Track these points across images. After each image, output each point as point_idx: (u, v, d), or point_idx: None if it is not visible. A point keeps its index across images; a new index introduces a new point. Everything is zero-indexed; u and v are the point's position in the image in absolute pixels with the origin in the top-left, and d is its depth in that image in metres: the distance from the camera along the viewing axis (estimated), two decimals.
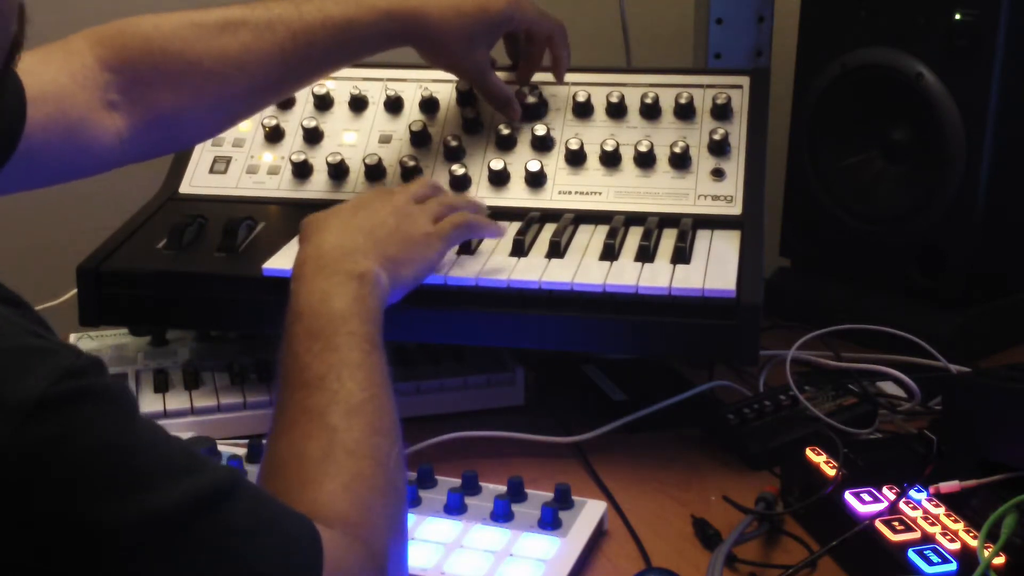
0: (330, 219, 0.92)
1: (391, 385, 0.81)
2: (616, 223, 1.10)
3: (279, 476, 0.73)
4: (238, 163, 1.23)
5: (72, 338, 1.22)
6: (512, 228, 1.10)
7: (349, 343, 0.80)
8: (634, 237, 1.08)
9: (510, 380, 1.15)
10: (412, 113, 1.24)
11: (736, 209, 1.12)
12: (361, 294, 0.84)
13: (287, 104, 1.26)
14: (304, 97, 1.26)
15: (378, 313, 0.86)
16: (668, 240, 1.07)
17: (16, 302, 0.62)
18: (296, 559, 0.64)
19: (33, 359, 0.55)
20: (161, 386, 1.10)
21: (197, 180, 1.23)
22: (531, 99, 1.21)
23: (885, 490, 0.88)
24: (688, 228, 1.09)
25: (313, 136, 1.23)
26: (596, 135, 1.19)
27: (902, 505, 0.86)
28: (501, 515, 0.89)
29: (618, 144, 1.17)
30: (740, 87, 1.21)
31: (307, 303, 0.83)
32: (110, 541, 0.55)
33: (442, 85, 1.25)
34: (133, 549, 0.56)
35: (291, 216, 1.16)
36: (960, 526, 0.83)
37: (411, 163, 1.18)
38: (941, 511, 0.86)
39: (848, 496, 0.87)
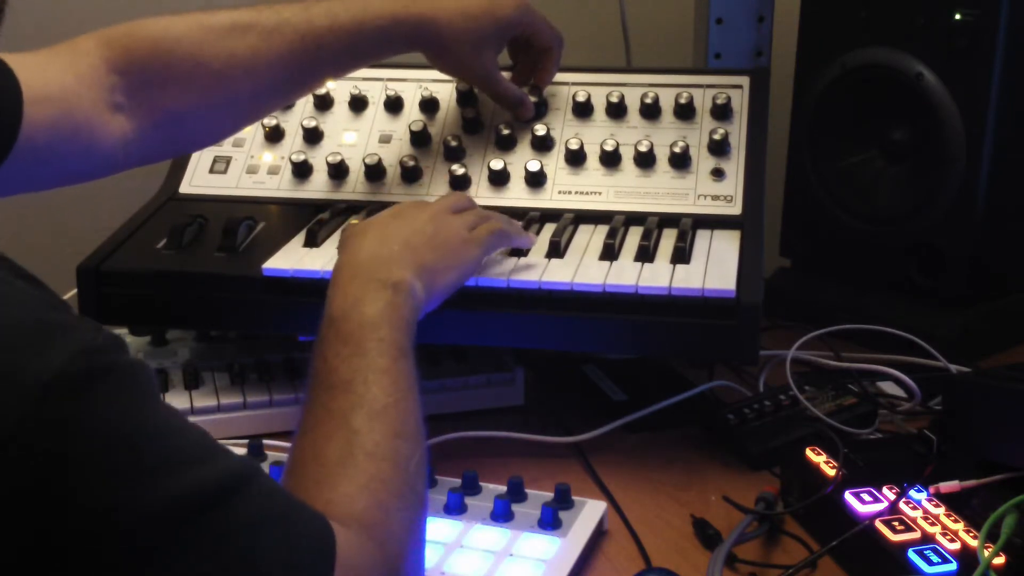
0: (368, 228, 0.92)
1: (418, 392, 0.81)
2: (616, 223, 1.10)
3: (298, 475, 0.73)
4: (238, 163, 1.23)
5: None
6: None
7: (378, 349, 0.80)
8: (634, 237, 1.08)
9: (510, 380, 1.15)
10: (412, 113, 1.24)
11: (736, 209, 1.12)
12: (394, 302, 0.84)
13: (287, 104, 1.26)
14: (304, 97, 1.26)
15: (410, 322, 0.85)
16: (668, 240, 1.07)
17: (36, 281, 0.62)
18: (306, 554, 0.63)
19: (52, 335, 0.55)
20: (161, 386, 1.10)
21: (197, 180, 1.23)
22: (532, 98, 1.21)
23: (885, 490, 0.88)
24: (688, 228, 1.08)
25: (313, 136, 1.23)
26: (596, 135, 1.18)
27: (902, 505, 0.86)
28: (501, 515, 0.89)
29: (618, 144, 1.16)
30: (740, 87, 1.21)
31: (340, 308, 0.83)
32: (114, 525, 0.55)
33: (442, 85, 1.25)
34: (137, 535, 0.55)
35: (291, 216, 1.16)
36: (960, 526, 0.83)
37: (411, 163, 1.18)
38: (941, 511, 0.86)
39: (848, 496, 0.88)
